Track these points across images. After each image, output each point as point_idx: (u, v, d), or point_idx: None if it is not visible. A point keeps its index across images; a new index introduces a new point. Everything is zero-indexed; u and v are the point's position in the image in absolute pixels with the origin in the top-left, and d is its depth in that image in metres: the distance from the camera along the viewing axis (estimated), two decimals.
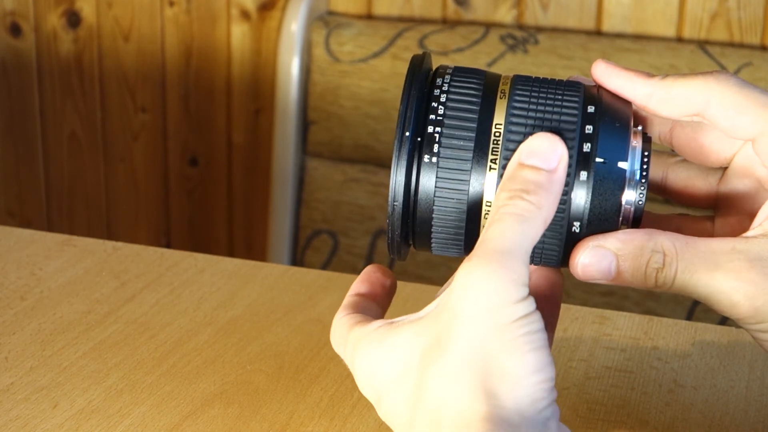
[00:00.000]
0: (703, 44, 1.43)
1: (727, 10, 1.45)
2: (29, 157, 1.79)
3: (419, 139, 0.51)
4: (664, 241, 0.51)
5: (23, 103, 1.76)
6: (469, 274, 0.47)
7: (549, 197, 0.49)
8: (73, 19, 1.69)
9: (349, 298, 0.55)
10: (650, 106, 0.54)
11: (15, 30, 1.72)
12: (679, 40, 1.47)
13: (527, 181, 0.49)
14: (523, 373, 0.46)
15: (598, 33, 1.50)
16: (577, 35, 1.47)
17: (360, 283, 0.56)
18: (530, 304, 0.47)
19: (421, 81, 0.52)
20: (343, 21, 1.54)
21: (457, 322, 0.47)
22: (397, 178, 0.51)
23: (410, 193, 0.51)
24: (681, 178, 0.58)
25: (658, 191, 0.59)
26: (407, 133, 0.51)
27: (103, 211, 1.80)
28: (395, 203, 0.51)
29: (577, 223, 0.51)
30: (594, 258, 0.51)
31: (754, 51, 1.42)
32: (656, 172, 0.58)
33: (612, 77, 0.54)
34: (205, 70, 1.68)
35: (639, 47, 1.43)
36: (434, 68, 0.54)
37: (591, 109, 0.51)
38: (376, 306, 0.55)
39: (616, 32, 1.49)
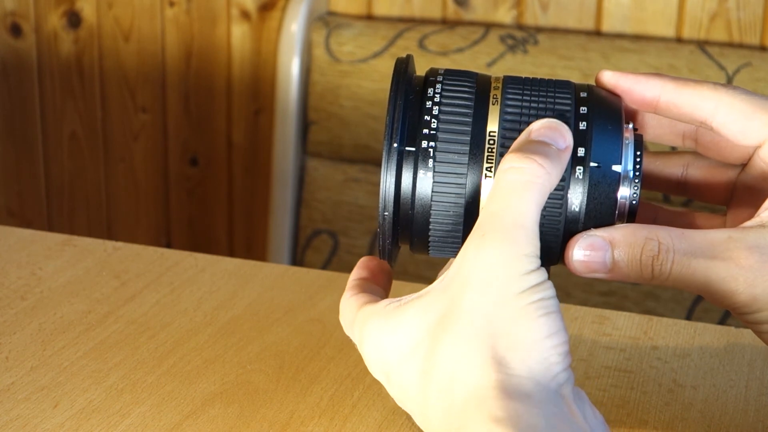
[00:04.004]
0: (702, 44, 1.43)
1: (727, 10, 1.45)
2: (29, 157, 1.79)
3: (413, 149, 0.51)
4: (659, 231, 0.51)
5: (23, 103, 1.76)
6: (481, 248, 0.48)
7: (556, 166, 0.49)
8: (74, 20, 1.70)
9: (352, 282, 0.55)
10: (661, 100, 0.54)
11: (15, 30, 1.72)
12: (679, 40, 1.47)
13: (537, 149, 0.49)
14: (535, 339, 0.47)
15: (597, 33, 1.50)
16: (576, 35, 1.47)
17: (359, 270, 0.56)
18: (542, 274, 0.48)
19: (406, 88, 0.52)
20: (343, 21, 1.54)
21: (467, 293, 0.48)
22: (387, 189, 0.51)
23: (401, 203, 0.51)
24: (702, 169, 0.58)
25: (677, 189, 0.59)
26: (395, 144, 0.51)
27: (103, 211, 1.80)
28: (386, 213, 0.51)
29: (573, 222, 0.51)
30: (589, 248, 0.51)
31: (754, 51, 1.42)
32: (676, 168, 0.58)
33: (621, 79, 0.54)
34: (205, 70, 1.68)
35: (638, 47, 1.43)
36: (417, 71, 0.54)
37: (583, 110, 0.51)
38: (380, 288, 0.56)
39: (615, 32, 1.49)
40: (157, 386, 0.65)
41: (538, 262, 0.48)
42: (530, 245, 0.48)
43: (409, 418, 0.62)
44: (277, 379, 0.66)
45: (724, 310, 1.37)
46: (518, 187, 0.48)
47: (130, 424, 0.61)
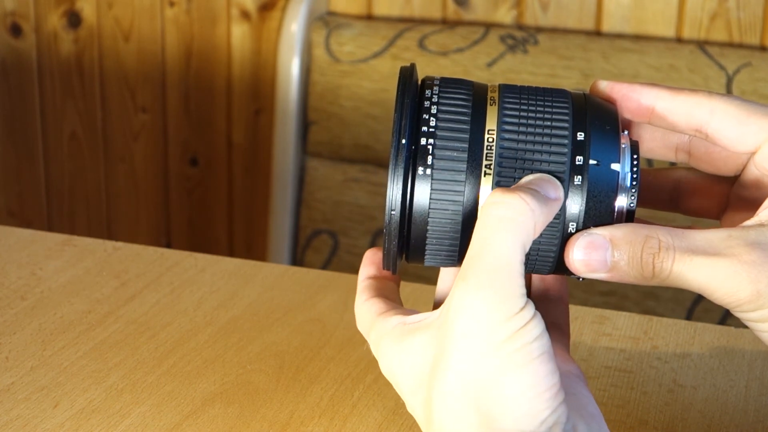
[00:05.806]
0: (702, 44, 1.43)
1: (727, 10, 1.45)
2: (30, 157, 1.79)
3: (414, 147, 0.51)
4: (659, 229, 0.51)
5: (24, 103, 1.76)
6: (464, 295, 0.47)
7: (542, 207, 0.48)
8: (74, 20, 1.70)
9: (364, 282, 0.55)
10: (657, 109, 0.53)
11: (15, 30, 1.72)
12: (679, 40, 1.47)
13: (524, 189, 0.49)
14: (521, 389, 0.46)
15: (597, 33, 1.50)
16: (576, 35, 1.47)
17: (367, 267, 0.56)
18: (527, 313, 0.47)
19: (413, 90, 0.52)
20: (343, 21, 1.54)
21: (454, 343, 0.47)
22: (394, 187, 0.51)
23: (406, 204, 0.51)
24: (695, 183, 0.58)
25: (670, 204, 0.58)
26: (403, 141, 0.51)
27: (103, 211, 1.80)
28: (392, 212, 0.51)
29: (572, 225, 0.51)
30: (589, 246, 0.50)
31: (754, 51, 1.42)
32: (668, 183, 0.58)
33: (616, 87, 0.54)
34: (205, 70, 1.68)
35: (638, 47, 1.43)
36: (420, 79, 0.54)
37: (581, 112, 0.51)
38: (390, 283, 0.55)
39: (615, 32, 1.49)
40: (157, 386, 0.65)
41: (524, 299, 0.47)
42: (513, 285, 0.47)
43: (409, 417, 0.62)
44: (277, 379, 0.66)
45: (724, 311, 1.37)
46: (499, 224, 0.47)
47: (130, 424, 0.61)
